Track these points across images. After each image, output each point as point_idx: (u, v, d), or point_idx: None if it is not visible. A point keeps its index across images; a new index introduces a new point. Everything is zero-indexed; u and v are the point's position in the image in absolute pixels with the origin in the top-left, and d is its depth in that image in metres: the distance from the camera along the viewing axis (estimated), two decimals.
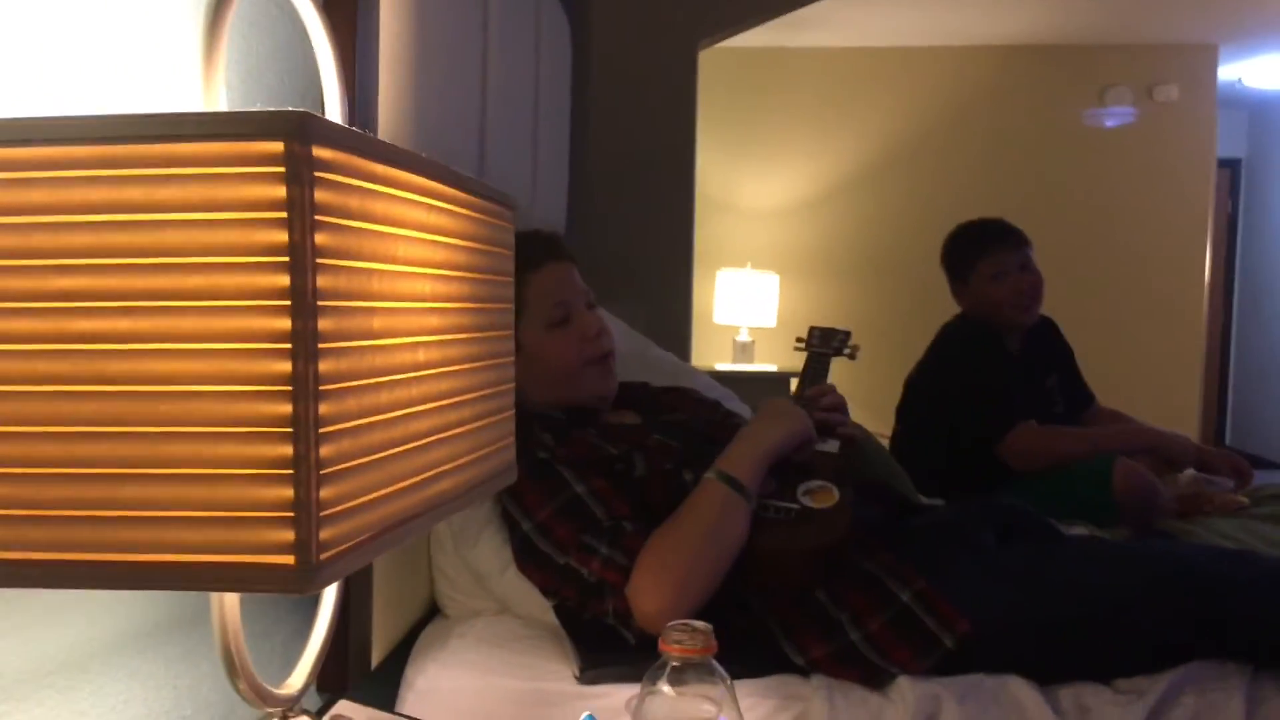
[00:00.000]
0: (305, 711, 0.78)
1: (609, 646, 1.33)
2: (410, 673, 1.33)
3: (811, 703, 1.27)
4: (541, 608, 1.42)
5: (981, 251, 2.56)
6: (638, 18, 3.08)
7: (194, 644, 0.94)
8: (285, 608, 1.10)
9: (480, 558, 1.45)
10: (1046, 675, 1.29)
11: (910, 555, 1.41)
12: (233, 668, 0.70)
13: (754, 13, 3.17)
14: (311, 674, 0.79)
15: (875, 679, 1.31)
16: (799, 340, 1.74)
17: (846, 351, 1.69)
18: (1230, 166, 7.05)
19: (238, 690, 0.71)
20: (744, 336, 4.91)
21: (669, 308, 3.25)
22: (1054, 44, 5.36)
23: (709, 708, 0.94)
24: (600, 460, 1.43)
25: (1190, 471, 2.50)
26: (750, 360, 4.82)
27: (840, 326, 1.72)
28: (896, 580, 1.38)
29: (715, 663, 0.95)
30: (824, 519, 1.40)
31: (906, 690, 1.28)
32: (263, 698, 0.73)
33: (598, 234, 2.97)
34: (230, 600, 0.70)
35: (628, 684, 1.27)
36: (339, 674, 1.21)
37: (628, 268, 3.08)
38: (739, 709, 0.95)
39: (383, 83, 1.21)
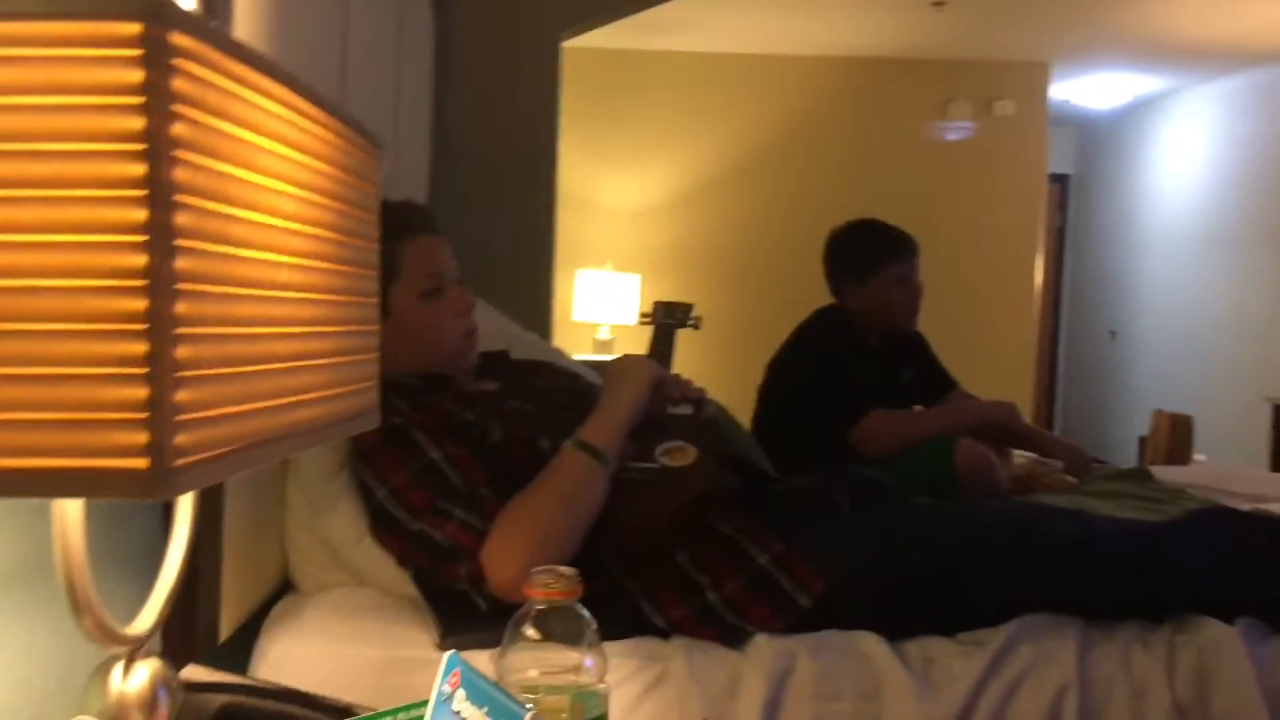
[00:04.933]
0: (154, 653, 0.74)
1: (471, 614, 1.32)
2: (262, 643, 1.29)
3: (672, 662, 1.29)
4: (399, 579, 1.40)
5: (891, 256, 2.58)
6: (500, 3, 3.07)
7: (33, 600, 0.89)
8: (132, 567, 1.05)
9: (335, 529, 1.42)
10: (895, 630, 1.35)
11: (768, 520, 1.45)
12: (77, 602, 0.66)
13: (617, 6, 3.19)
14: (160, 616, 0.76)
15: (733, 638, 1.34)
16: (644, 315, 1.77)
17: (690, 322, 1.73)
18: (1060, 181, 7.49)
19: (82, 628, 0.68)
20: (604, 334, 4.93)
21: (529, 303, 3.23)
22: (901, 57, 5.60)
23: (574, 654, 0.94)
24: (456, 426, 1.42)
25: (1028, 455, 2.65)
26: (610, 353, 4.85)
27: (682, 300, 1.76)
28: (754, 544, 1.41)
29: (581, 607, 0.95)
30: (683, 475, 1.43)
31: (763, 648, 1.31)
32: (109, 636, 0.69)
33: (458, 226, 2.94)
34: (74, 531, 0.66)
35: (491, 650, 1.26)
36: (185, 645, 1.16)
37: (489, 261, 3.04)
38: (604, 654, 0.96)
39: (237, 18, 1.17)
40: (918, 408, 2.70)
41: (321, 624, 1.31)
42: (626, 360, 1.53)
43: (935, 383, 2.80)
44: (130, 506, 1.06)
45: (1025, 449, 2.65)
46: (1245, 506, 1.86)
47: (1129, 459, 5.68)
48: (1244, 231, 5.63)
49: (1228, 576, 1.41)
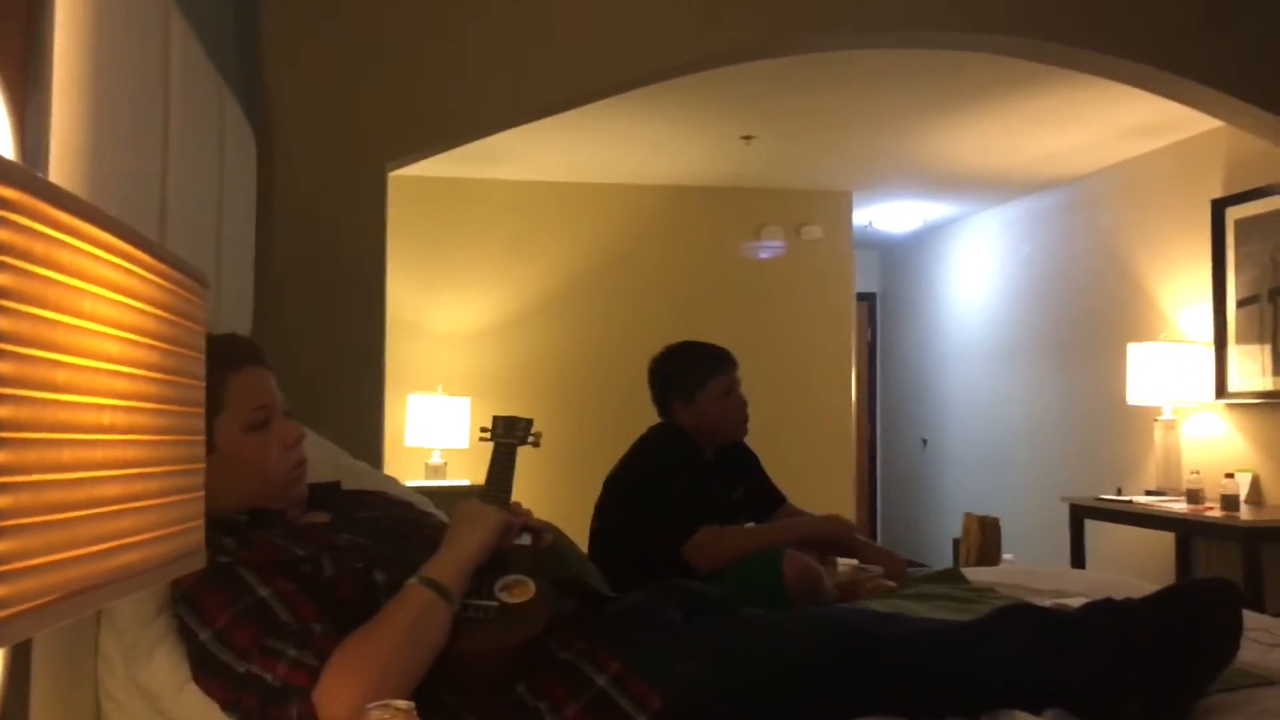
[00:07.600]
0: None
1: None
2: None
3: None
4: None
5: (714, 371, 2.73)
6: (324, 135, 3.09)
7: None
8: None
9: (154, 677, 1.35)
10: None
11: (604, 640, 1.46)
12: None
13: (440, 139, 3.26)
14: None
15: None
16: (484, 430, 1.76)
17: (530, 439, 1.73)
18: (868, 299, 7.97)
19: None
20: (437, 459, 4.87)
21: (360, 430, 3.17)
22: (716, 185, 5.90)
23: None
24: (286, 562, 1.38)
25: (850, 562, 2.76)
26: (444, 478, 4.79)
27: (522, 416, 1.76)
28: (592, 665, 1.42)
29: None
30: (522, 613, 1.42)
31: None
32: None
33: (284, 356, 2.87)
34: None
35: None
36: None
37: (317, 390, 2.98)
38: None
39: (53, 168, 1.16)
40: (749, 524, 2.79)
41: None
42: (477, 505, 1.54)
43: (765, 499, 2.91)
44: None
45: (846, 557, 2.76)
46: (1047, 602, 1.99)
47: (945, 559, 5.95)
48: (1033, 344, 6.10)
49: (1034, 669, 1.50)
